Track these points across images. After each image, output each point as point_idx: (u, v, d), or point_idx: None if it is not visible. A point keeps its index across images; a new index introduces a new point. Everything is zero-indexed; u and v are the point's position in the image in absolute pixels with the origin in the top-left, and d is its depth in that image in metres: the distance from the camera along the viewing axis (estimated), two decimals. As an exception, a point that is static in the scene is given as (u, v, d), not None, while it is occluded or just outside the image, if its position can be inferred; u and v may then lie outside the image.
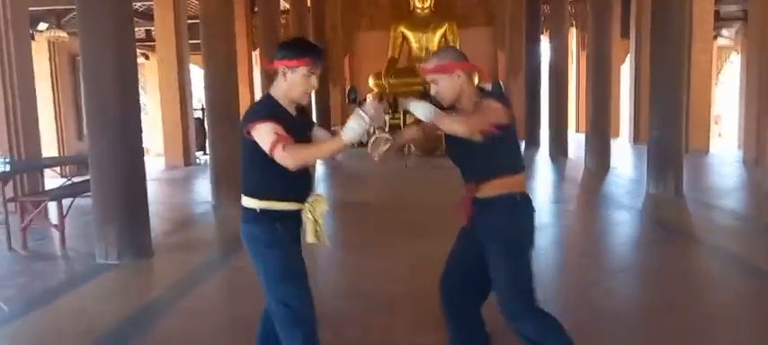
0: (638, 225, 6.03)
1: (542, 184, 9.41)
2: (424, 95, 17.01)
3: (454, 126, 2.20)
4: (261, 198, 2.28)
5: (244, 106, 12.59)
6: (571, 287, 4.12)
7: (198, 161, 13.42)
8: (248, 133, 2.21)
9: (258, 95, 17.14)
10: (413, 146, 13.97)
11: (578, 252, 5.17)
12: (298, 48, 2.29)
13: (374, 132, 2.16)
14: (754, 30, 10.57)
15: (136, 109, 4.84)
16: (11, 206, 5.67)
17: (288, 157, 2.15)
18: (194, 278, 4.50)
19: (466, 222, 2.46)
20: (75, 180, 6.85)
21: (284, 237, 2.29)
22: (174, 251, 5.29)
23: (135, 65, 4.99)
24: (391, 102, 17.39)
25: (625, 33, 15.46)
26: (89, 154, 4.77)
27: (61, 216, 5.44)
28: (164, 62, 12.55)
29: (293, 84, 2.26)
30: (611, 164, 10.02)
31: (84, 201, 6.52)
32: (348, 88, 18.89)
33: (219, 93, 7.24)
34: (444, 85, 2.34)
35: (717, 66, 16.70)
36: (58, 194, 5.57)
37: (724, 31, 15.66)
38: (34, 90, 7.89)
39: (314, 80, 2.29)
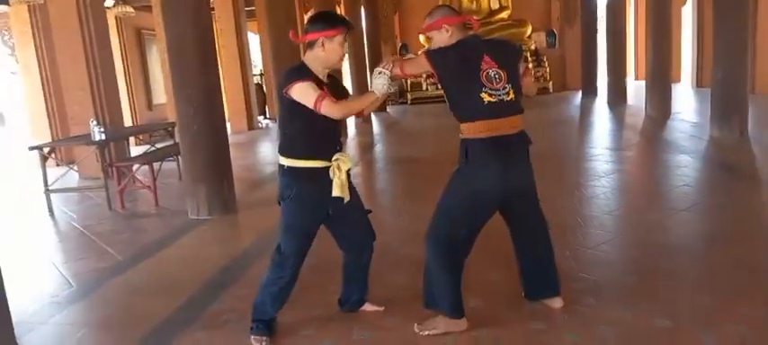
0: (700, 167, 6.05)
1: (601, 132, 9.41)
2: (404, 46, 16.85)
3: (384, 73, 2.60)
4: (289, 156, 2.60)
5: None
6: (633, 225, 4.29)
7: (260, 125, 13.99)
8: (287, 92, 2.51)
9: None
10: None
11: (639, 195, 5.30)
12: (333, 19, 2.61)
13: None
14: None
15: (216, 77, 5.23)
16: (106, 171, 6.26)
17: (334, 107, 2.48)
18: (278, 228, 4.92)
19: None
20: (158, 146, 7.41)
21: (304, 192, 2.62)
22: (256, 206, 5.73)
23: (213, 37, 5.36)
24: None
25: (687, -28, 14.83)
26: (177, 121, 5.21)
27: (153, 178, 5.98)
28: (223, 31, 13.02)
29: (331, 51, 2.56)
30: (673, 110, 9.87)
31: (165, 165, 7.11)
32: (399, 45, 18.98)
33: (285, 59, 7.58)
34: (437, 40, 2.67)
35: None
36: (149, 158, 6.10)
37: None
38: (113, 63, 8.47)
39: (346, 47, 2.65)
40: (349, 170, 2.67)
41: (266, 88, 15.26)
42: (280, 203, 2.69)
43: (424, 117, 13.90)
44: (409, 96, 17.57)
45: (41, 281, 4.01)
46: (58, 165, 8.35)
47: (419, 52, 2.67)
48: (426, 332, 2.72)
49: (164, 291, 3.60)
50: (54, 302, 3.61)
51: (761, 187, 5.26)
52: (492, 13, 18.25)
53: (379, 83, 2.58)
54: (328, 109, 2.47)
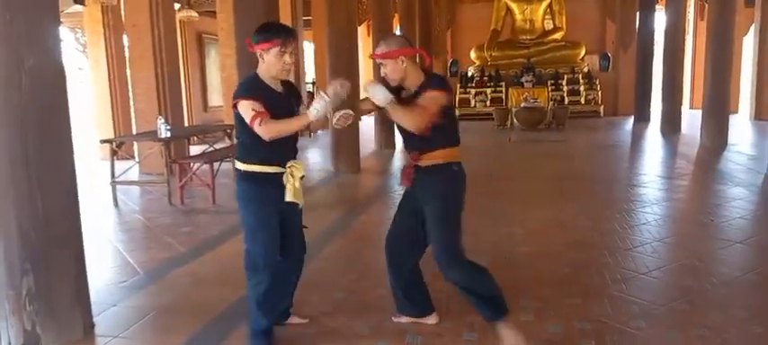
0: (757, 201, 5.93)
1: (653, 159, 9.28)
2: (528, 68, 16.88)
3: (404, 120, 2.63)
4: (245, 162, 2.72)
5: (363, 80, 13.30)
6: (686, 254, 4.26)
7: (309, 134, 14.30)
8: (235, 107, 2.66)
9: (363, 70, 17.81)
10: (516, 120, 14.05)
11: (692, 224, 5.24)
12: (268, 32, 2.65)
13: (333, 111, 2.58)
14: None
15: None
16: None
17: (263, 131, 2.56)
18: (328, 232, 5.10)
19: (408, 185, 2.85)
20: (217, 146, 7.73)
21: (260, 195, 2.74)
22: (307, 210, 5.89)
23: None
24: (493, 75, 17.43)
25: (750, 1, 14.46)
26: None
27: (212, 177, 6.26)
28: (281, 38, 13.40)
29: (270, 63, 2.64)
30: (729, 141, 9.64)
31: (222, 166, 7.39)
32: (450, 61, 19.10)
33: (342, 68, 7.81)
34: (390, 69, 2.71)
35: None
36: (210, 157, 6.39)
37: None
38: (178, 64, 8.89)
39: (287, 58, 2.64)
40: (302, 177, 2.79)
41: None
42: (239, 210, 2.80)
43: (471, 132, 13.88)
44: (457, 112, 17.62)
45: (110, 267, 4.28)
46: (119, 160, 8.78)
47: (428, 92, 2.65)
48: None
49: (225, 282, 3.80)
50: (123, 286, 3.86)
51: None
52: (546, 33, 18.19)
53: (317, 108, 2.55)
54: (258, 130, 2.56)
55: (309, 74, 16.73)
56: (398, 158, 9.98)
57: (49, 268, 2.91)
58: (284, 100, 2.73)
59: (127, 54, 10.05)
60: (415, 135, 2.66)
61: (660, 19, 13.61)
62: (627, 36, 16.66)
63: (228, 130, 7.92)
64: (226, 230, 5.19)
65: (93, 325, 3.15)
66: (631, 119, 14.82)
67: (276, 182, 2.72)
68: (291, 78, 2.92)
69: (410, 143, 2.79)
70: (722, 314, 3.15)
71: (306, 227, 3.02)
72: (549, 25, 18.26)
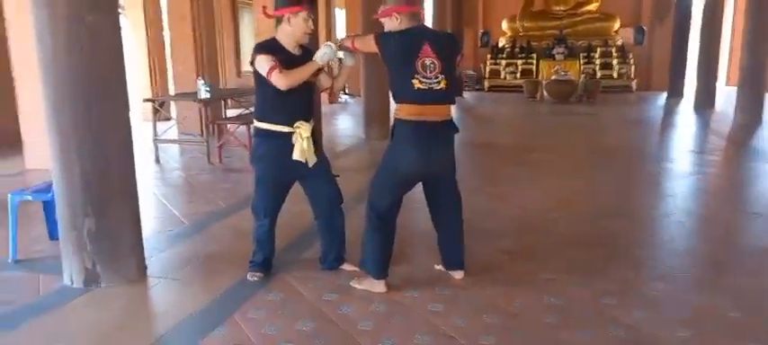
0: (788, 178, 5.93)
1: (685, 134, 9.23)
2: (560, 40, 16.68)
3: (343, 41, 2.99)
4: (260, 118, 3.00)
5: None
6: (711, 224, 4.35)
7: (340, 99, 14.47)
8: (253, 64, 2.89)
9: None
10: (547, 93, 13.98)
11: (720, 197, 5.30)
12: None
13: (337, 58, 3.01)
14: None
15: (314, 47, 5.62)
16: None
17: (280, 79, 2.81)
18: (360, 195, 5.28)
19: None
20: (252, 109, 7.95)
21: (268, 152, 3.01)
22: (340, 173, 6.11)
23: (317, 11, 5.72)
24: (525, 46, 17.27)
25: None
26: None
27: (249, 138, 6.48)
28: None
29: (296, 26, 2.90)
30: (765, 119, 9.51)
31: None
32: (481, 32, 18.95)
33: (374, 35, 7.93)
34: (387, 26, 2.93)
35: None
36: (247, 119, 6.60)
37: None
38: (214, 27, 9.09)
39: (310, 23, 2.96)
40: (309, 136, 2.99)
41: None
42: (251, 162, 3.13)
43: (500, 104, 13.95)
44: (487, 83, 17.56)
45: (156, 217, 4.55)
46: (158, 120, 9.08)
47: (370, 34, 2.95)
48: (357, 286, 3.10)
49: (264, 235, 4.02)
50: (170, 234, 4.12)
51: None
52: (579, 4, 17.90)
53: (322, 52, 2.92)
54: (275, 79, 2.82)
55: (340, 41, 16.82)
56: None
57: (109, 213, 3.16)
58: (302, 63, 2.95)
59: (165, 16, 10.29)
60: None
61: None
62: (663, 9, 16.32)
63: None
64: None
65: (145, 267, 3.41)
66: (665, 95, 14.61)
67: (285, 141, 2.98)
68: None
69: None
70: (742, 280, 3.26)
71: (338, 176, 3.28)
72: (583, -3, 17.95)
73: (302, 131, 2.96)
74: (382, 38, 2.90)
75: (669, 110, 12.19)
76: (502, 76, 17.22)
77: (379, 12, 2.98)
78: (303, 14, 2.90)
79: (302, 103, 3.03)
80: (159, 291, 3.18)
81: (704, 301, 2.97)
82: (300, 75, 2.90)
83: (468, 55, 17.69)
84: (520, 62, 17.02)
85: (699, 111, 11.49)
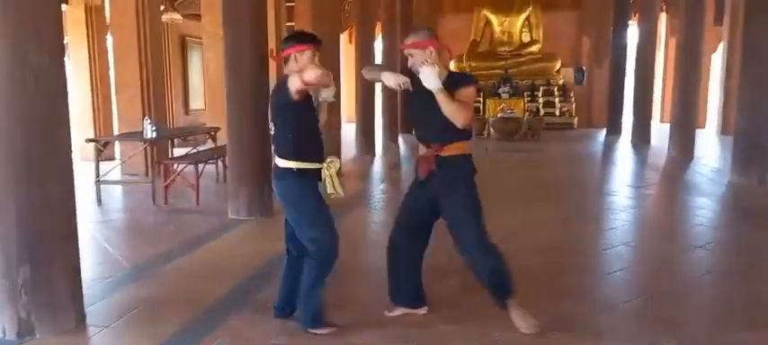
0: (717, 210, 6.26)
1: (623, 169, 9.64)
2: (505, 79, 17.25)
3: (453, 109, 2.85)
4: (297, 159, 2.94)
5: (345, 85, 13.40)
6: (649, 257, 4.54)
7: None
8: (291, 94, 2.83)
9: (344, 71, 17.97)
10: (493, 130, 14.37)
11: (657, 230, 5.55)
12: (303, 37, 3.01)
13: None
14: None
15: (266, 86, 5.64)
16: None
17: (313, 69, 2.81)
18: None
19: (424, 176, 3.00)
20: (200, 148, 7.84)
21: (310, 190, 3.00)
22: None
23: (266, 46, 5.76)
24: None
25: (718, 19, 15.02)
26: (227, 123, 5.60)
27: (197, 178, 6.38)
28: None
29: (303, 65, 2.89)
30: (696, 154, 10.05)
31: (205, 167, 7.49)
32: (430, 70, 19.30)
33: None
34: (417, 59, 2.94)
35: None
36: (195, 159, 6.51)
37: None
38: (163, 66, 8.97)
39: (316, 60, 2.96)
40: (339, 169, 3.05)
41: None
42: (290, 206, 3.01)
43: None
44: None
45: (97, 263, 4.39)
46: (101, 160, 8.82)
47: (466, 89, 2.92)
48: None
49: (212, 278, 3.95)
50: (111, 281, 3.98)
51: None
52: (523, 45, 18.57)
53: (329, 92, 3.02)
54: (310, 73, 2.78)
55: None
56: (378, 164, 10.18)
57: (46, 259, 3.03)
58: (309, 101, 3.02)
59: (110, 55, 10.10)
60: (438, 126, 2.90)
61: (633, 35, 14.07)
62: (601, 50, 17.14)
63: (212, 133, 8.03)
64: (213, 229, 5.32)
65: (85, 317, 3.27)
66: (604, 132, 15.25)
67: (317, 177, 3.00)
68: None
69: (431, 134, 2.99)
70: (678, 311, 3.41)
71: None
72: (526, 38, 18.65)
73: (332, 165, 3.00)
74: (472, 78, 3.05)
75: (608, 146, 12.72)
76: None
77: (410, 42, 2.98)
78: (308, 53, 2.93)
79: (321, 139, 3.09)
80: (99, 342, 3.06)
81: (644, 332, 3.08)
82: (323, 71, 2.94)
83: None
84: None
85: (636, 147, 12.04)
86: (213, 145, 7.75)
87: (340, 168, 3.06)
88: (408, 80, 2.93)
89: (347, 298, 3.55)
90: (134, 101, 8.36)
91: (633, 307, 3.46)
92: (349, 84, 15.77)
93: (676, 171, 8.99)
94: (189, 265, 4.34)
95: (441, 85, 2.84)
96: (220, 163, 7.56)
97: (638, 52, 12.73)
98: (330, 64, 8.02)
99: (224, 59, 5.51)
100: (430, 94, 2.87)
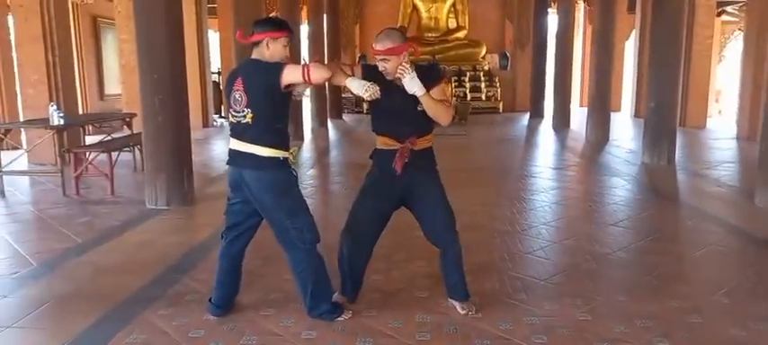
0: (630, 189, 6.61)
1: (545, 152, 9.99)
2: (432, 65, 17.46)
3: (438, 111, 2.89)
4: (279, 148, 2.81)
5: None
6: (567, 235, 4.72)
7: (215, 123, 13.99)
8: (282, 80, 2.70)
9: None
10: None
11: (576, 210, 5.78)
12: (279, 23, 2.89)
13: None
14: (755, 7, 10.97)
15: (183, 67, 5.40)
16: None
17: (320, 68, 2.77)
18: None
19: (401, 170, 2.92)
20: (116, 136, 7.44)
21: (295, 179, 2.92)
22: (214, 200, 5.86)
23: (182, 30, 5.51)
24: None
25: (631, 8, 15.79)
26: (142, 109, 5.33)
27: (111, 167, 6.05)
28: (185, 26, 12.96)
29: (275, 51, 2.78)
30: (611, 136, 10.56)
31: (120, 156, 7.13)
32: (359, 56, 19.30)
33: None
34: (393, 64, 2.86)
35: (720, 43, 17.03)
36: (108, 147, 6.16)
37: (728, 8, 15.96)
38: (71, 48, 8.41)
39: (287, 50, 2.85)
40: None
41: (223, 87, 15.25)
42: (277, 198, 2.84)
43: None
44: (365, 106, 17.88)
45: (2, 259, 4.07)
46: (4, 150, 8.20)
47: (443, 85, 2.97)
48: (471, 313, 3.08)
49: (127, 271, 3.76)
50: (15, 278, 3.70)
51: (680, 208, 5.83)
52: (449, 32, 18.83)
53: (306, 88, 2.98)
54: (316, 72, 2.71)
55: (215, 63, 16.30)
56: (307, 150, 10.04)
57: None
58: None
59: (12, 36, 9.37)
60: (417, 122, 2.90)
61: (554, 22, 14.54)
62: (523, 37, 17.66)
63: (127, 119, 7.64)
64: (128, 220, 5.06)
65: (-18, 317, 3.03)
66: (527, 116, 15.76)
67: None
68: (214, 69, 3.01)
69: (408, 128, 2.93)
70: (593, 285, 3.57)
71: None
72: (452, 24, 18.91)
73: (297, 153, 2.90)
74: (444, 72, 3.04)
75: (532, 130, 13.15)
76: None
77: (385, 48, 2.83)
78: (283, 40, 2.80)
79: None
80: (1, 342, 2.83)
81: (560, 307, 3.20)
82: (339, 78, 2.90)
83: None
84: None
85: (557, 130, 12.50)
86: (129, 133, 7.36)
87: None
88: (377, 89, 2.79)
89: (278, 288, 3.47)
90: (39, 86, 7.81)
91: (550, 285, 3.58)
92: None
93: (593, 152, 9.42)
94: (102, 258, 4.11)
95: (424, 90, 2.81)
96: (138, 151, 7.20)
97: (557, 39, 13.18)
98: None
99: (136, 41, 5.22)
100: (403, 92, 2.83)
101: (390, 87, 2.86)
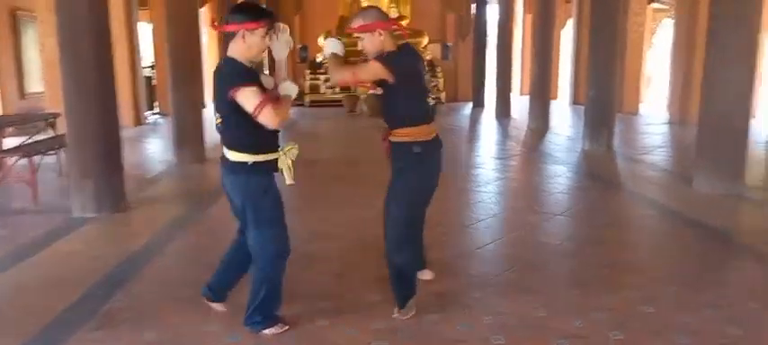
0: (573, 176, 6.70)
1: (488, 143, 10.05)
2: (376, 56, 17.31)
3: (331, 71, 2.90)
4: (251, 152, 2.62)
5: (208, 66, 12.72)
6: (515, 227, 4.69)
7: (148, 120, 13.34)
8: (233, 95, 2.51)
9: (206, 53, 16.95)
10: (365, 107, 14.36)
11: (520, 200, 5.79)
12: (256, 12, 2.60)
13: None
14: (684, -4, 11.39)
15: (111, 64, 5.01)
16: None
17: (270, 118, 2.52)
18: (173, 226, 4.82)
19: (387, 157, 2.99)
20: (38, 138, 6.90)
21: (272, 184, 2.72)
22: (149, 204, 5.54)
23: (107, 21, 5.12)
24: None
25: (569, -3, 16.15)
26: (65, 109, 4.91)
27: (33, 172, 5.58)
28: (113, 18, 12.27)
29: (253, 45, 2.58)
30: (552, 124, 10.74)
31: (44, 160, 6.62)
32: (299, 46, 18.93)
33: (182, 53, 7.37)
34: (368, 42, 2.84)
35: (651, 30, 17.67)
36: (29, 150, 5.68)
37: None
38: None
39: (267, 40, 2.63)
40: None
41: (158, 81, 14.55)
42: (246, 203, 2.69)
43: (321, 119, 14.01)
44: (307, 98, 17.56)
45: None
46: None
47: (371, 61, 2.80)
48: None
49: (54, 288, 3.44)
50: None
51: (621, 194, 5.95)
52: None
53: (291, 86, 2.77)
54: (266, 117, 2.51)
55: (148, 57, 15.57)
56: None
57: None
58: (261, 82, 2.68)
59: None
60: (386, 111, 2.90)
61: (493, 11, 14.66)
62: (464, 27, 17.78)
63: (51, 119, 7.11)
64: (54, 230, 4.66)
65: None
66: (470, 106, 15.88)
67: (274, 168, 2.72)
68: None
69: (385, 118, 2.96)
70: (546, 279, 3.53)
71: None
72: (394, 14, 18.82)
73: (289, 153, 2.73)
74: (392, 60, 2.76)
75: (474, 120, 13.24)
76: (322, 91, 17.35)
77: (357, 25, 2.80)
78: (261, 31, 2.57)
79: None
80: None
81: (516, 304, 3.14)
82: (287, 110, 2.71)
83: (287, 71, 17.52)
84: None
85: (499, 120, 12.63)
86: (53, 134, 6.85)
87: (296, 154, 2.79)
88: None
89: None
90: (-50, 85, 7.15)
91: (503, 281, 3.52)
92: (211, 60, 14.97)
93: (535, 141, 9.54)
94: (24, 275, 3.75)
95: (336, 51, 2.90)
96: (63, 154, 6.71)
97: (498, 28, 13.30)
98: (186, 39, 7.42)
99: (58, 34, 4.80)
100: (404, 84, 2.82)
101: (417, 67, 2.85)
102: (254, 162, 2.63)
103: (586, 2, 11.92)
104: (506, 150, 9.07)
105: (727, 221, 4.81)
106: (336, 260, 3.89)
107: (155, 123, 13.28)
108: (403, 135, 2.86)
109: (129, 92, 12.55)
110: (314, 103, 17.49)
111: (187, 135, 7.61)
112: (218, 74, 2.64)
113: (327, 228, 4.64)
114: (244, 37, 2.56)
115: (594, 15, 8.09)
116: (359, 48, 2.86)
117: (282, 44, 2.70)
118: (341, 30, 18.26)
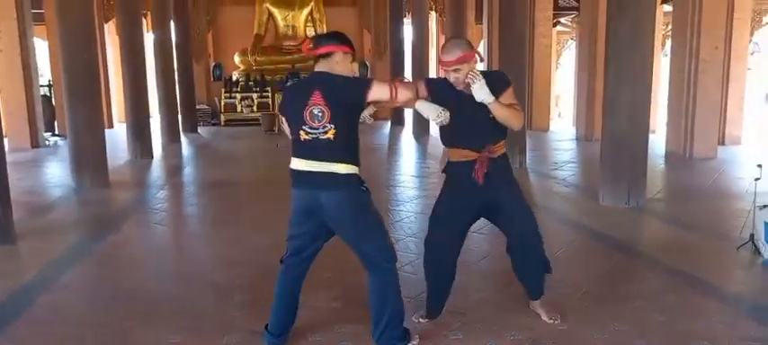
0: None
1: (407, 161, 10.12)
2: (293, 74, 17.10)
3: (511, 117, 2.84)
4: (358, 164, 2.75)
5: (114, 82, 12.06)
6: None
7: (47, 142, 12.42)
8: (368, 96, 2.66)
9: (112, 70, 16.08)
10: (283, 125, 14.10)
11: (439, 219, 5.80)
12: (348, 40, 2.82)
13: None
14: (586, 19, 12.04)
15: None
16: None
17: (408, 92, 2.77)
18: (68, 257, 4.44)
19: (483, 180, 2.92)
20: None
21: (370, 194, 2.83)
22: (40, 234, 5.08)
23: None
24: (259, 79, 17.31)
25: (479, 18, 16.70)
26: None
27: None
28: (3, 34, 11.38)
29: (344, 66, 2.76)
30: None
31: None
32: (213, 64, 18.43)
33: (80, 71, 6.89)
34: (465, 72, 2.83)
35: (557, 51, 18.61)
36: None
37: (562, 19, 17.47)
38: None
39: (351, 67, 2.87)
40: None
41: (56, 100, 13.57)
42: (357, 215, 2.74)
43: (238, 139, 13.63)
44: (223, 117, 17.06)
45: None
46: None
47: (510, 90, 2.89)
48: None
49: None
50: None
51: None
52: (307, 40, 18.62)
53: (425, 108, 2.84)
54: (404, 94, 2.74)
55: (46, 76, 14.54)
56: (157, 169, 9.22)
57: None
58: None
59: None
60: (490, 129, 2.87)
61: (409, 31, 14.90)
62: (381, 46, 17.96)
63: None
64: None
65: None
66: (389, 123, 16.00)
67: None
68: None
69: (483, 138, 2.90)
70: (462, 298, 3.51)
71: None
72: (311, 32, 18.71)
73: None
74: (433, 81, 2.96)
75: (393, 138, 13.34)
76: (238, 110, 16.93)
77: (455, 58, 2.79)
78: (349, 57, 2.79)
79: None
80: None
81: (433, 326, 3.09)
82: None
83: (200, 88, 16.97)
84: (256, 96, 16.98)
85: (417, 138, 12.78)
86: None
87: None
88: (448, 115, 2.82)
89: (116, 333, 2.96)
90: None
91: (422, 302, 3.46)
92: (118, 79, 14.24)
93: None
94: None
95: (493, 97, 2.78)
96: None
97: (413, 48, 13.52)
98: (84, 57, 6.93)
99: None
100: (472, 101, 2.80)
101: (460, 98, 2.85)
102: (355, 175, 2.72)
103: (495, 24, 12.36)
104: (425, 168, 9.15)
105: (630, 234, 5.03)
106: (244, 288, 3.68)
107: (55, 145, 12.39)
108: (504, 145, 2.99)
109: (23, 113, 11.65)
110: (230, 122, 17.05)
111: (87, 157, 7.11)
112: (330, 85, 2.65)
113: (236, 253, 4.41)
114: (334, 58, 2.72)
115: (503, 37, 8.36)
116: (452, 79, 2.86)
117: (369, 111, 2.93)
118: (256, 49, 17.95)
